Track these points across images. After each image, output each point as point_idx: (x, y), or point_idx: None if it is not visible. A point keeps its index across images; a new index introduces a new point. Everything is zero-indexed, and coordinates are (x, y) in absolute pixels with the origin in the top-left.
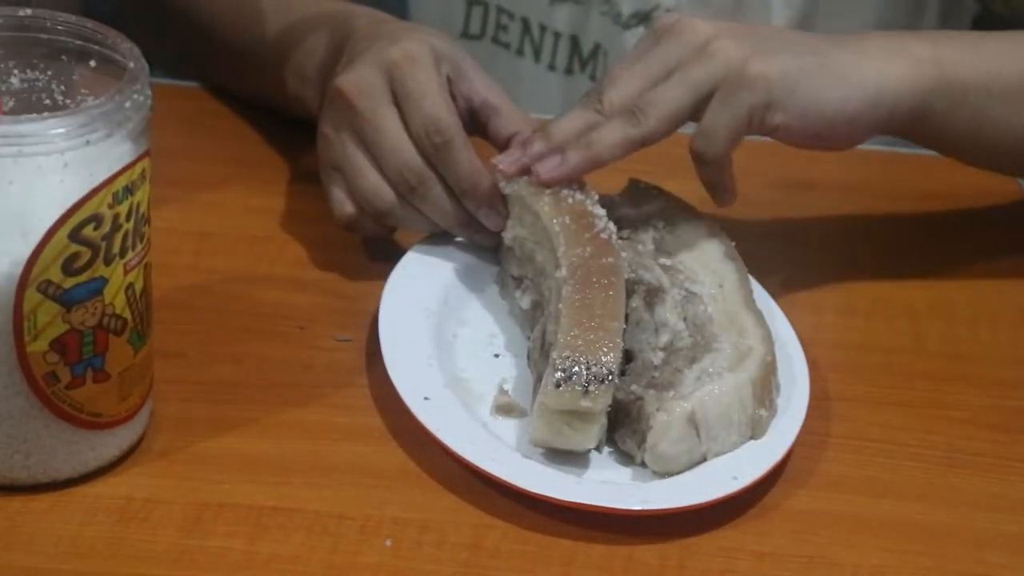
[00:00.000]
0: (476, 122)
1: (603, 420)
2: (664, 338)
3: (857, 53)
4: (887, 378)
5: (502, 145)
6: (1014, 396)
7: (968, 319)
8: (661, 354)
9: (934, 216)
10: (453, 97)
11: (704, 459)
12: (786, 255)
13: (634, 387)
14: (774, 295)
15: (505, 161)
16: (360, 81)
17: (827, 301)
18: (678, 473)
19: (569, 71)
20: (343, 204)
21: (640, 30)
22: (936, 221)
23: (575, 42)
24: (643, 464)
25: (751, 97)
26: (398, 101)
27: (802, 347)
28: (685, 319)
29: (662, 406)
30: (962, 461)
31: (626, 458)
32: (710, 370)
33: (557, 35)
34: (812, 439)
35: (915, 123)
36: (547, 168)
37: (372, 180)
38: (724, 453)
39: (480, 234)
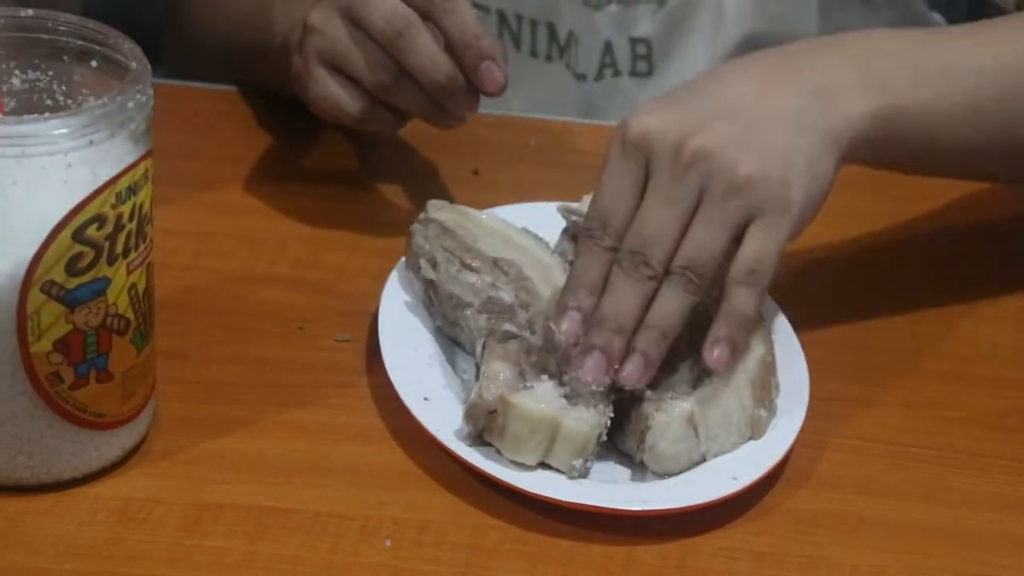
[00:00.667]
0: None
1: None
2: None
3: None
4: (887, 378)
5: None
6: (1014, 396)
7: (968, 319)
8: None
9: (934, 216)
10: None
11: (703, 459)
12: (785, 255)
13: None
14: (773, 295)
15: (590, 373)
16: None
17: (827, 301)
18: (678, 473)
19: (548, 58)
20: (347, 99)
21: (612, 8)
22: (936, 221)
23: (552, 29)
24: (643, 464)
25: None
26: None
27: (802, 347)
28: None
29: (661, 406)
30: (962, 461)
31: (626, 458)
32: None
33: (533, 23)
34: (812, 439)
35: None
36: (633, 375)
37: (368, 51)
38: (723, 453)
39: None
